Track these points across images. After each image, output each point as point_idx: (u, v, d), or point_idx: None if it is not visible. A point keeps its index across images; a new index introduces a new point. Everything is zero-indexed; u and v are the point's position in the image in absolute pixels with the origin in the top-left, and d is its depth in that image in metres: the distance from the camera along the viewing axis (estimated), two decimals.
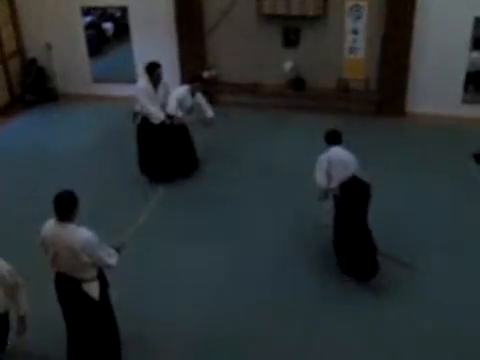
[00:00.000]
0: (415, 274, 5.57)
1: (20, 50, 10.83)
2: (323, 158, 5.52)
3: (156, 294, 5.48)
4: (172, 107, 7.30)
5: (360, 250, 5.42)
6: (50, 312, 4.74)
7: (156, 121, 7.26)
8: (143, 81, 7.27)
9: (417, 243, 6.08)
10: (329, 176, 5.42)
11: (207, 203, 7.11)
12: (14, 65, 10.72)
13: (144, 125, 7.41)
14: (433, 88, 9.21)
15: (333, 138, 5.63)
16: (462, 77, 9.16)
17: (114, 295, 4.52)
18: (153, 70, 7.19)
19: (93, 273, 4.23)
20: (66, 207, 4.02)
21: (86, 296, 4.23)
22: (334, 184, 5.41)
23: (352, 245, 5.45)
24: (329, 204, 5.58)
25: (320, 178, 5.46)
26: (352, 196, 5.39)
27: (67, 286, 4.24)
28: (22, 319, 4.22)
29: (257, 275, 5.75)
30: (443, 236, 6.26)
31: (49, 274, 4.43)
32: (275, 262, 5.94)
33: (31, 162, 8.36)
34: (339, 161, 5.44)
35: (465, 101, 9.30)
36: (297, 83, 9.75)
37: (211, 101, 10.24)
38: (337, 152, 5.52)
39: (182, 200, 7.11)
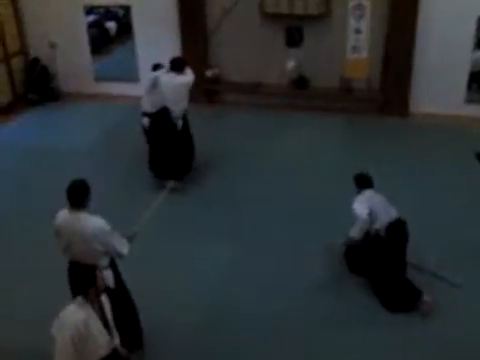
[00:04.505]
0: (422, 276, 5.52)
1: (23, 49, 10.84)
2: (362, 196, 5.31)
3: (156, 293, 5.46)
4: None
5: (402, 283, 5.25)
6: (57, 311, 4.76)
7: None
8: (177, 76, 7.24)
9: (419, 244, 6.04)
10: (372, 213, 5.16)
11: (209, 203, 7.10)
12: (17, 64, 10.72)
13: (159, 125, 7.43)
14: (436, 88, 9.19)
15: (365, 182, 5.44)
16: (465, 77, 9.13)
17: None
18: (183, 66, 7.22)
19: (105, 261, 4.28)
20: (78, 195, 4.12)
21: None
22: (379, 224, 5.18)
23: (396, 283, 5.25)
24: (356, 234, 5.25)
25: (361, 209, 5.15)
26: (399, 240, 5.21)
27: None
28: None
29: (260, 276, 5.73)
30: (446, 237, 6.22)
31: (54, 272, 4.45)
32: (278, 262, 5.93)
33: (33, 161, 8.36)
34: (380, 199, 5.31)
35: (468, 101, 9.28)
36: (300, 82, 9.73)
37: (214, 100, 10.30)
38: (374, 194, 5.35)
39: (184, 200, 7.10)
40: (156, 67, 7.42)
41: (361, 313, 5.20)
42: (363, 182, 5.45)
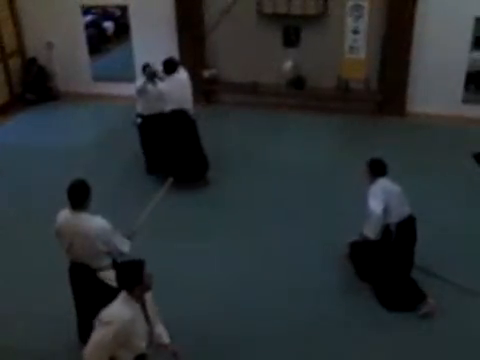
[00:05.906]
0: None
1: (20, 49, 10.82)
2: (377, 188, 4.99)
3: (155, 292, 5.46)
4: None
5: (407, 283, 5.20)
6: (57, 311, 4.77)
7: None
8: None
9: (418, 244, 6.04)
10: (387, 208, 4.92)
11: (207, 203, 7.10)
12: (14, 64, 10.71)
13: (158, 127, 7.39)
14: (434, 88, 9.21)
15: (380, 169, 5.12)
16: (463, 77, 9.15)
17: None
18: (176, 66, 7.17)
19: (108, 261, 4.29)
20: (79, 196, 4.12)
21: (103, 284, 4.27)
22: (393, 219, 4.99)
23: (400, 283, 5.19)
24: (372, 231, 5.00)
25: (376, 206, 4.88)
26: (409, 239, 5.10)
27: (82, 275, 4.29)
28: None
29: (260, 276, 5.72)
30: (444, 237, 6.22)
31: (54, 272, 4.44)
32: (277, 262, 5.92)
33: (31, 161, 8.34)
34: (396, 192, 5.05)
35: (466, 101, 9.30)
36: (297, 83, 9.74)
37: (212, 100, 10.30)
38: (390, 184, 5.08)
39: (181, 200, 7.09)
40: (146, 67, 7.33)
41: (363, 314, 5.20)
42: (377, 169, 5.11)
